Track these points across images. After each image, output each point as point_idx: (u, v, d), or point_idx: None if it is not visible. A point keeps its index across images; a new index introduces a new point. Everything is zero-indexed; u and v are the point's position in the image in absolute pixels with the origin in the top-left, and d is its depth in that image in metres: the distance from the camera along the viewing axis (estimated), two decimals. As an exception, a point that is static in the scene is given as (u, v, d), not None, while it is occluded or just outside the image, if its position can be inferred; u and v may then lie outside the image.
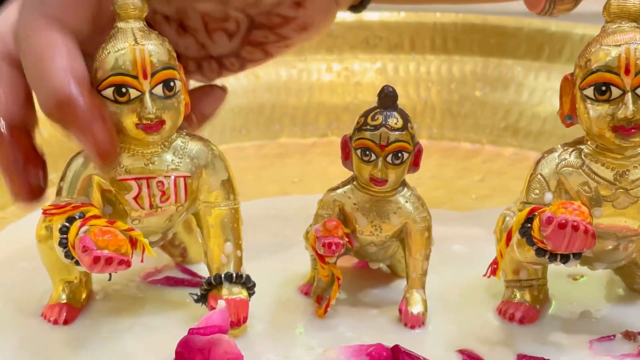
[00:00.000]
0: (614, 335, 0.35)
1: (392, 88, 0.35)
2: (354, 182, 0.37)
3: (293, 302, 0.39)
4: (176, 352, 0.33)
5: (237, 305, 0.36)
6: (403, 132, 0.34)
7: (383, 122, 0.34)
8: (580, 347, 0.35)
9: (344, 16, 0.59)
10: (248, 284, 0.36)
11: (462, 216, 0.47)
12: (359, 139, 0.35)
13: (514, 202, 0.36)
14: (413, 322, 0.36)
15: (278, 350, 0.35)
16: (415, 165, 0.36)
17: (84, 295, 0.39)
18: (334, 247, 0.34)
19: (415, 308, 0.36)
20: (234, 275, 0.36)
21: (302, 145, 0.60)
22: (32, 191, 0.37)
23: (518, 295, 0.38)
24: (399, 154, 0.34)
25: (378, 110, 0.35)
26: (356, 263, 0.41)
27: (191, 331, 0.34)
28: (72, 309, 0.38)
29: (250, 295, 0.37)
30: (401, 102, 0.52)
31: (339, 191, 0.37)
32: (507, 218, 0.36)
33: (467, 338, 0.35)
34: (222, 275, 0.36)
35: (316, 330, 0.36)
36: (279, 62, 0.60)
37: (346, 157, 0.36)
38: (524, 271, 0.37)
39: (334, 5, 0.40)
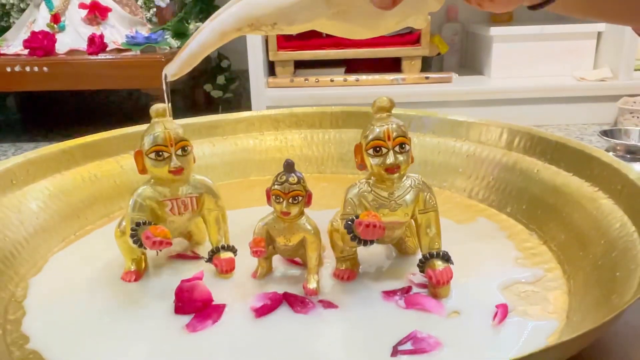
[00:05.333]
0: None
1: (292, 160, 0.44)
2: (274, 214, 0.46)
3: (251, 267, 0.50)
4: (175, 293, 0.45)
5: (228, 261, 0.49)
6: (298, 185, 0.44)
7: (286, 180, 0.44)
8: (378, 286, 0.47)
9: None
10: (234, 250, 0.50)
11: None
12: (273, 190, 0.44)
13: (337, 214, 0.47)
14: (310, 293, 0.46)
15: (233, 293, 0.46)
16: (308, 203, 0.46)
17: (143, 266, 0.51)
18: (258, 253, 0.46)
19: (311, 285, 0.46)
20: (226, 245, 0.50)
21: (264, 181, 0.66)
22: None
23: (343, 265, 0.48)
24: (297, 198, 0.44)
25: (283, 173, 0.45)
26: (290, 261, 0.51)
27: (182, 281, 0.46)
28: (138, 273, 0.50)
29: (235, 255, 0.49)
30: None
31: (266, 220, 0.47)
32: (334, 223, 0.47)
33: (328, 293, 0.46)
34: (220, 246, 0.50)
35: (256, 285, 0.48)
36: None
37: (268, 200, 0.46)
38: (345, 251, 0.48)
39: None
